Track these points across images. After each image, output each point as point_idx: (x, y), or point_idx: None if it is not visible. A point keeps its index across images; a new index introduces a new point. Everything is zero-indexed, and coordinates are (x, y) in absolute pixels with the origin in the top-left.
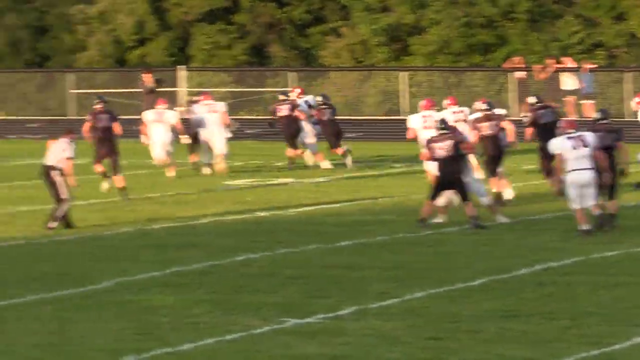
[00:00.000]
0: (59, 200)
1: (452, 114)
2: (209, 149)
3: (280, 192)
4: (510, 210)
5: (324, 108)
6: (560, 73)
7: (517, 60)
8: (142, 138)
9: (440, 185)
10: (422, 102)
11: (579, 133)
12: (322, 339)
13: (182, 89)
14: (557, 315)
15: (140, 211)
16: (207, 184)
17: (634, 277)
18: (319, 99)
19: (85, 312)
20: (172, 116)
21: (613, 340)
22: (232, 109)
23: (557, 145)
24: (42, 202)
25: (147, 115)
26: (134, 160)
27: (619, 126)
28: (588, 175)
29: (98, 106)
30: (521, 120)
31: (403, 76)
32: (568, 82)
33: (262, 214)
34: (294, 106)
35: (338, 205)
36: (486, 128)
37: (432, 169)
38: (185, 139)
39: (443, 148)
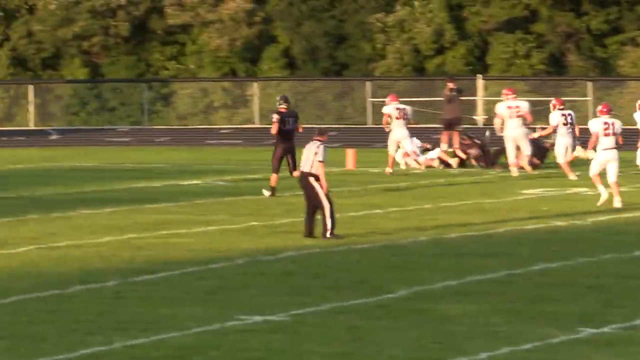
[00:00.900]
0: (319, 207)
1: None
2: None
3: (577, 202)
4: None
5: None
6: None
7: None
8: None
9: None
10: None
11: None
12: (617, 348)
13: (480, 98)
14: None
15: (438, 219)
16: (504, 193)
17: None
18: None
19: (381, 320)
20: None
21: None
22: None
23: None
24: (339, 211)
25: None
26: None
27: None
28: None
29: (282, 107)
30: None
31: None
32: None
33: (559, 223)
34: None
35: (637, 214)
36: None
37: None
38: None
39: None
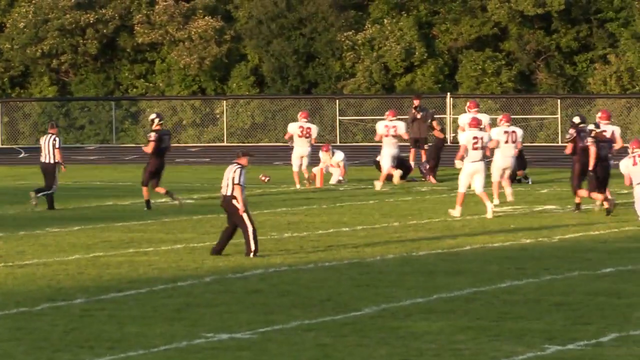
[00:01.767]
0: (240, 228)
1: None
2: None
3: (544, 219)
4: None
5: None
6: None
7: None
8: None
9: None
10: None
11: None
12: None
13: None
14: None
15: (406, 237)
16: (472, 210)
17: None
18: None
19: (349, 338)
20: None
21: None
22: None
23: None
24: (307, 229)
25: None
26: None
27: None
28: None
29: (158, 125)
30: None
31: None
32: None
33: (527, 240)
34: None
35: (604, 232)
36: None
37: None
38: None
39: None
